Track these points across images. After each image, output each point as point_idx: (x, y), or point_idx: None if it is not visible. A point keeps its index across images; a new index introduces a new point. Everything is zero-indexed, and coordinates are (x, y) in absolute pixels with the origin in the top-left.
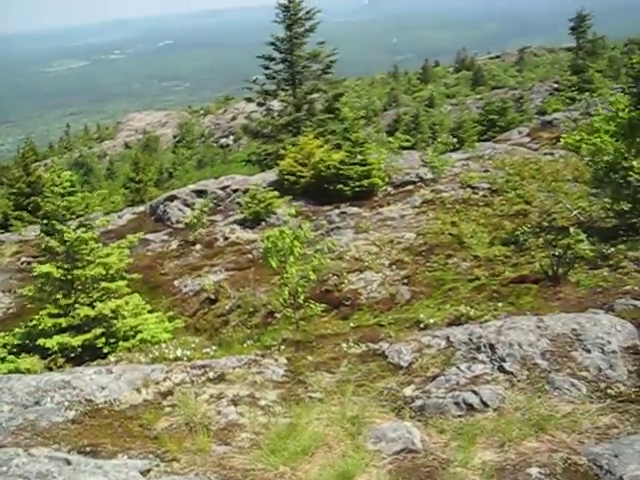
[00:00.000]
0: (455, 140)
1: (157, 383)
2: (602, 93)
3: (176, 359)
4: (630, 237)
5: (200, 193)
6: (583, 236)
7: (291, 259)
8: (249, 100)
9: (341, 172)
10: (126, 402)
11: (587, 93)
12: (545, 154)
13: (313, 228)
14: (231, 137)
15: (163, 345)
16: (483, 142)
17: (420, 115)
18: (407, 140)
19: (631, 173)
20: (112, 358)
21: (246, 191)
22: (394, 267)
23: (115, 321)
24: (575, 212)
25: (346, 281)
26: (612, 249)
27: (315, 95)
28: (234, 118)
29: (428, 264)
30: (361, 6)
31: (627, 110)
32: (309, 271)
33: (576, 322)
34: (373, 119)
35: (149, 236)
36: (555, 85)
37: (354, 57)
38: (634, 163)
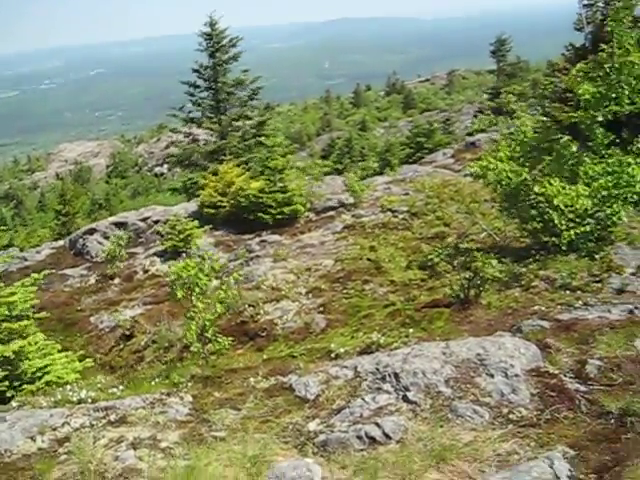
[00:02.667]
0: (376, 164)
1: (55, 429)
2: (517, 115)
3: (80, 401)
4: (542, 256)
5: (120, 225)
6: (493, 259)
7: (197, 291)
8: (173, 130)
9: (261, 200)
10: (18, 452)
11: (502, 116)
12: (465, 175)
13: (233, 257)
14: (165, 166)
15: (68, 387)
16: (409, 164)
17: (353, 139)
18: (326, 166)
19: (539, 198)
20: (14, 403)
21: (167, 222)
22: (311, 295)
23: (20, 363)
24: (491, 233)
25: (262, 311)
26: (524, 269)
27: (241, 122)
28: (168, 146)
29: (345, 291)
30: (293, 32)
31: (531, 133)
32: (216, 304)
33: (481, 347)
34: (307, 144)
35: (67, 271)
36: (480, 107)
37: (287, 82)
38: (535, 189)
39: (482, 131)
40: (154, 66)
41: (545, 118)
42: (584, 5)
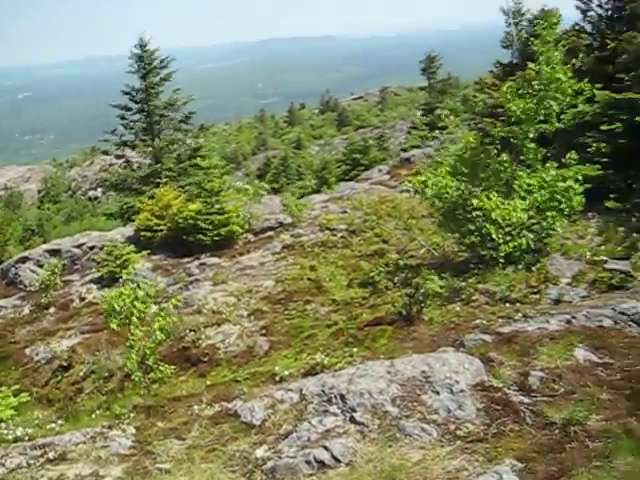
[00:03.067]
0: (313, 182)
1: None
2: (451, 131)
3: (16, 440)
4: (480, 269)
5: (54, 253)
6: (433, 274)
7: (134, 320)
8: (106, 153)
9: (199, 222)
10: None
11: (437, 131)
12: (402, 191)
13: (171, 282)
14: (99, 189)
15: (3, 425)
16: (346, 182)
17: (289, 157)
18: (262, 187)
19: (474, 212)
20: None
21: (102, 248)
22: (252, 317)
23: None
24: (429, 248)
25: (204, 336)
26: (464, 283)
27: (175, 145)
28: (102, 170)
29: (287, 312)
30: (226, 52)
31: (470, 148)
32: (156, 331)
33: (426, 364)
34: (243, 163)
35: (0, 302)
36: (412, 122)
37: (221, 103)
38: (474, 202)
39: (416, 147)
40: (85, 88)
41: (476, 133)
42: (511, 23)
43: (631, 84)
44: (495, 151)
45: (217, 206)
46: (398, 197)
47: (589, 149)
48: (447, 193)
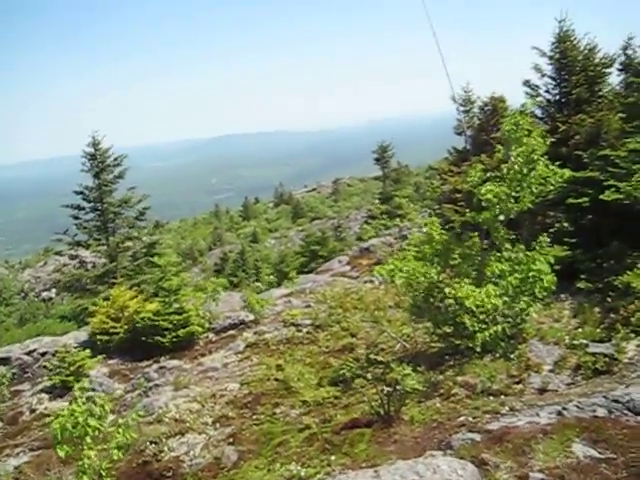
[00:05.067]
0: (272, 276)
1: None
2: (411, 218)
3: None
4: (457, 360)
5: (3, 361)
6: (409, 369)
7: (87, 440)
8: (59, 254)
9: (157, 323)
10: None
11: (397, 219)
12: (365, 282)
13: (130, 388)
14: (53, 290)
15: None
16: (305, 274)
17: (246, 251)
18: (221, 285)
19: (448, 300)
20: None
21: (55, 354)
22: (218, 425)
23: None
24: (400, 340)
25: (166, 448)
26: (441, 376)
27: (130, 243)
28: (55, 270)
29: (255, 416)
30: (179, 150)
31: (439, 233)
32: (113, 449)
33: (414, 472)
34: (199, 259)
35: None
36: (370, 212)
37: (175, 199)
38: (446, 290)
39: (374, 236)
40: (37, 189)
41: (438, 219)
42: (462, 112)
43: (589, 162)
44: (463, 236)
45: (176, 305)
46: (362, 288)
47: (554, 229)
48: (417, 280)
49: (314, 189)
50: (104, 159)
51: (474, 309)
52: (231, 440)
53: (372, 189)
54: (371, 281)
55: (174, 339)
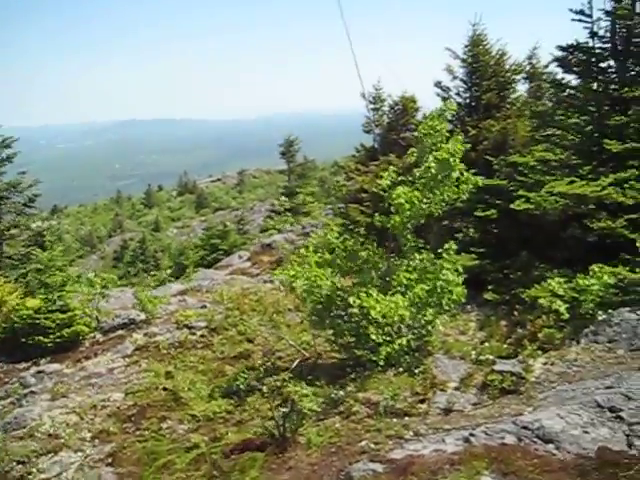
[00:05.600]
0: (170, 270)
1: None
2: (315, 215)
3: None
4: (358, 374)
5: None
6: (307, 389)
7: None
8: None
9: (38, 322)
10: None
11: (300, 216)
12: (265, 282)
13: (3, 394)
14: None
15: None
16: (205, 267)
17: (146, 240)
18: (112, 280)
19: (352, 309)
20: None
21: None
22: (97, 441)
23: None
24: (299, 348)
25: (35, 470)
26: (342, 392)
27: (16, 230)
28: None
29: (139, 432)
30: (83, 132)
31: (342, 238)
32: None
33: None
34: (98, 246)
35: None
36: (273, 205)
37: (76, 183)
38: (350, 300)
39: (278, 231)
40: None
41: (341, 220)
42: (372, 109)
43: (498, 169)
44: (367, 241)
45: (60, 303)
46: (262, 289)
47: (461, 237)
48: (319, 287)
49: (219, 179)
50: None
51: (379, 320)
52: (110, 460)
53: (277, 182)
54: (271, 281)
55: (57, 339)
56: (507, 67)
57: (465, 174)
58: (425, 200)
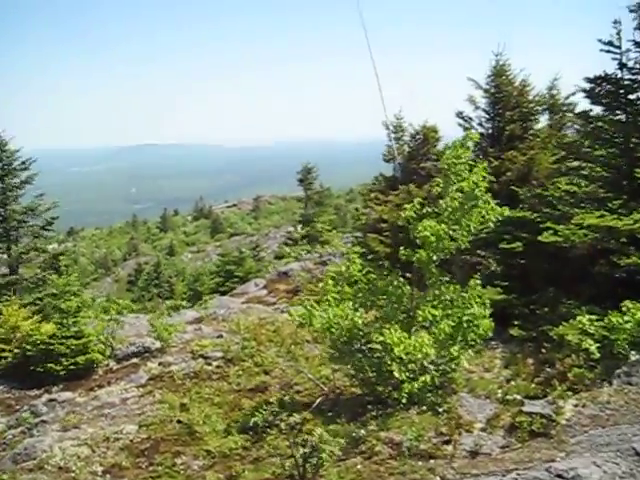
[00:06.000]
0: (185, 296)
1: None
2: (334, 244)
3: None
4: (380, 411)
5: None
6: (327, 435)
7: None
8: None
9: (52, 348)
10: None
11: (317, 244)
12: (282, 311)
13: (14, 422)
14: None
15: None
16: (221, 294)
17: (161, 264)
18: (128, 306)
19: (374, 345)
20: None
21: None
22: (109, 476)
23: None
24: (318, 383)
25: None
26: (363, 430)
27: (34, 254)
28: None
29: (152, 467)
30: (99, 156)
31: (365, 271)
32: None
33: None
34: (113, 269)
35: None
36: (289, 233)
37: (93, 207)
38: (374, 337)
39: (295, 259)
40: None
41: (360, 249)
42: (392, 138)
43: (523, 200)
44: (390, 274)
45: (74, 329)
46: (279, 319)
47: (487, 270)
48: (338, 324)
49: (234, 205)
50: (10, 162)
51: (403, 357)
52: None
53: (293, 208)
54: (289, 311)
55: (71, 366)
56: (530, 98)
57: (490, 204)
58: (451, 233)
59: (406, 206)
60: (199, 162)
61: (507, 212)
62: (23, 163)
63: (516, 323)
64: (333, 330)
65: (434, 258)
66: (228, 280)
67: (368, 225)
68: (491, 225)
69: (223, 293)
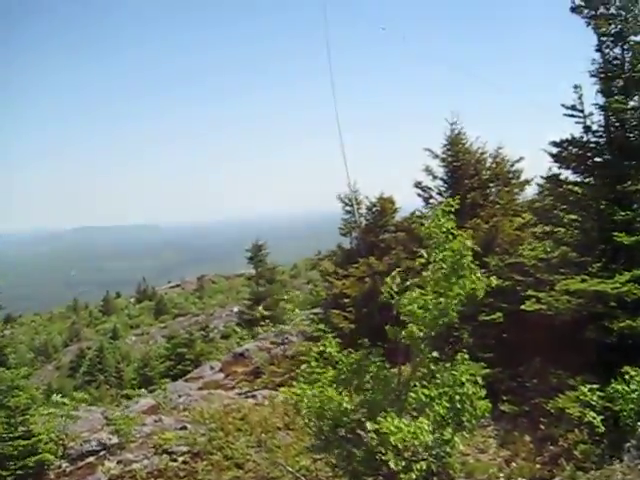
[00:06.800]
0: (135, 382)
1: None
2: (296, 323)
3: None
4: None
5: None
6: None
7: None
8: None
9: None
10: None
11: (271, 322)
12: (247, 396)
13: None
14: None
15: None
16: (173, 380)
17: (104, 348)
18: (81, 399)
19: (365, 433)
20: None
21: None
22: None
23: None
24: (298, 475)
25: None
26: None
27: None
28: None
29: None
30: (33, 239)
31: (346, 352)
32: None
33: None
34: (54, 356)
35: None
36: (235, 310)
37: (31, 292)
38: (368, 425)
39: (252, 339)
40: None
41: (324, 326)
42: (350, 211)
43: (497, 270)
44: (372, 354)
45: (22, 428)
46: (245, 405)
47: (466, 342)
48: (330, 409)
49: (178, 285)
50: None
51: (399, 446)
52: None
53: (237, 287)
54: (253, 395)
55: (18, 471)
56: (487, 165)
57: (477, 273)
58: (439, 305)
59: (386, 280)
60: (137, 243)
61: (494, 282)
62: None
63: (505, 398)
64: (326, 415)
65: (422, 334)
66: (179, 363)
67: (328, 301)
68: (479, 296)
69: (175, 377)
